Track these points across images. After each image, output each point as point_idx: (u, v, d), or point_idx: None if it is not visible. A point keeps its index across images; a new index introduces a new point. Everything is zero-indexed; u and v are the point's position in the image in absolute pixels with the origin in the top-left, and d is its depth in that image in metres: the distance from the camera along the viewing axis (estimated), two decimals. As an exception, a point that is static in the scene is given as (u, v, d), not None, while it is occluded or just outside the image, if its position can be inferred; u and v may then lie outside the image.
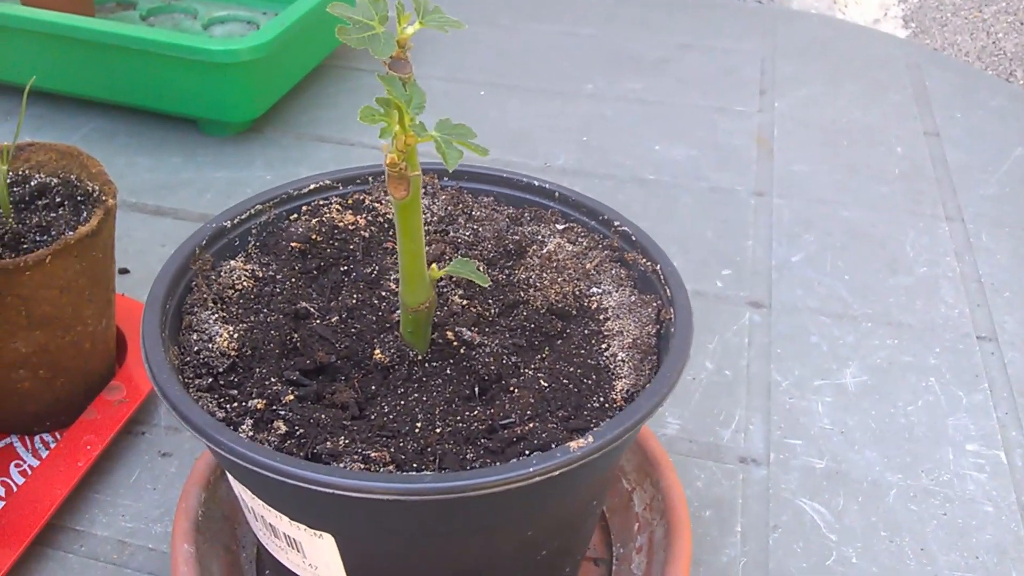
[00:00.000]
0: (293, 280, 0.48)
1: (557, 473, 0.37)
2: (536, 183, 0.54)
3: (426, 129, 0.36)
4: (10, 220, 0.58)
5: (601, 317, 0.48)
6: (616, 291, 0.49)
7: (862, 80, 1.09)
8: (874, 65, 1.13)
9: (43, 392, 0.59)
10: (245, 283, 0.47)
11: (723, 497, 0.61)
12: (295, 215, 0.52)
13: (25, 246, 0.58)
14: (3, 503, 0.57)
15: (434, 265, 0.43)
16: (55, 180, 0.62)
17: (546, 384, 0.44)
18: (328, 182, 0.53)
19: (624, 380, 0.44)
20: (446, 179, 0.55)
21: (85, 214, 0.60)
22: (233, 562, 0.52)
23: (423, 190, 0.54)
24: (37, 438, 0.61)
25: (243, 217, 0.50)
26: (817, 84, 1.08)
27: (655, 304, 0.47)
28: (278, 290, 0.47)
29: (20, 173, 0.62)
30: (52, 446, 0.60)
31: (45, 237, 0.58)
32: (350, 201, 0.53)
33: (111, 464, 0.60)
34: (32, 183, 0.62)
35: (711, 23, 1.22)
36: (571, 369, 0.45)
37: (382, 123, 0.35)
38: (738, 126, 1.00)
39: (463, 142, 0.36)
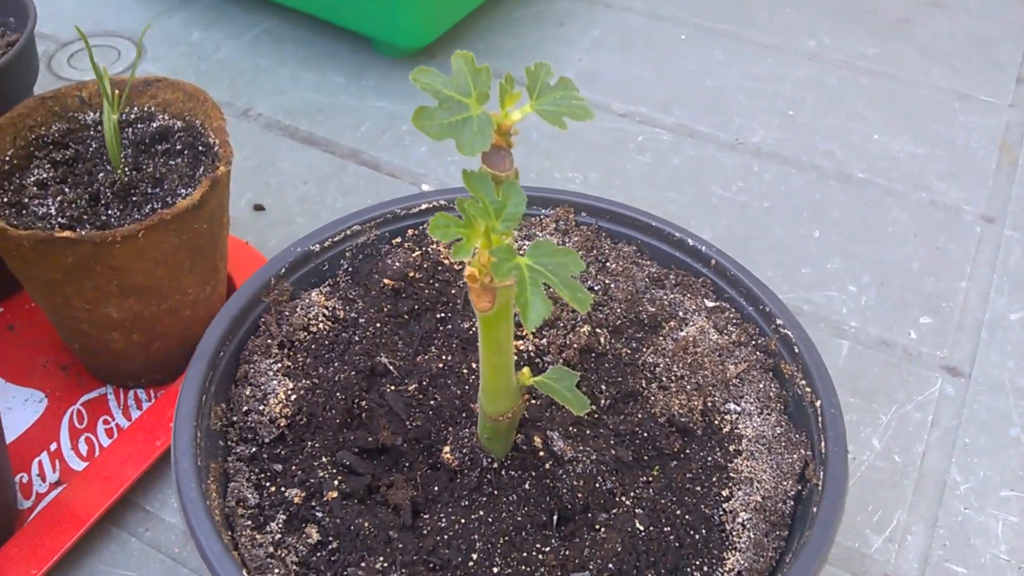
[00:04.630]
0: (378, 325, 0.41)
1: None
2: (690, 241, 0.44)
3: (513, 254, 0.27)
4: (120, 170, 0.54)
5: (731, 448, 0.38)
6: (759, 415, 0.39)
7: None
8: None
9: (137, 353, 0.56)
10: (321, 325, 0.41)
11: (855, 623, 0.51)
12: (398, 238, 0.44)
13: (134, 198, 0.53)
14: (85, 464, 0.54)
15: (525, 370, 0.35)
16: (179, 124, 0.57)
17: (642, 528, 0.36)
18: (443, 202, 0.45)
19: (739, 555, 0.35)
20: (584, 214, 0.46)
21: (202, 169, 0.55)
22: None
23: (554, 225, 0.45)
24: (132, 392, 0.59)
25: (336, 240, 0.43)
26: (1095, 79, 0.89)
27: (803, 451, 0.37)
28: (357, 337, 0.41)
29: (145, 110, 0.58)
30: (143, 406, 0.58)
31: (157, 190, 0.54)
32: (466, 228, 0.45)
33: (195, 440, 0.57)
34: (155, 124, 0.57)
35: (977, -22, 1.02)
36: (678, 511, 0.36)
37: (458, 237, 0.27)
38: (981, 122, 0.83)
39: (563, 287, 0.26)
